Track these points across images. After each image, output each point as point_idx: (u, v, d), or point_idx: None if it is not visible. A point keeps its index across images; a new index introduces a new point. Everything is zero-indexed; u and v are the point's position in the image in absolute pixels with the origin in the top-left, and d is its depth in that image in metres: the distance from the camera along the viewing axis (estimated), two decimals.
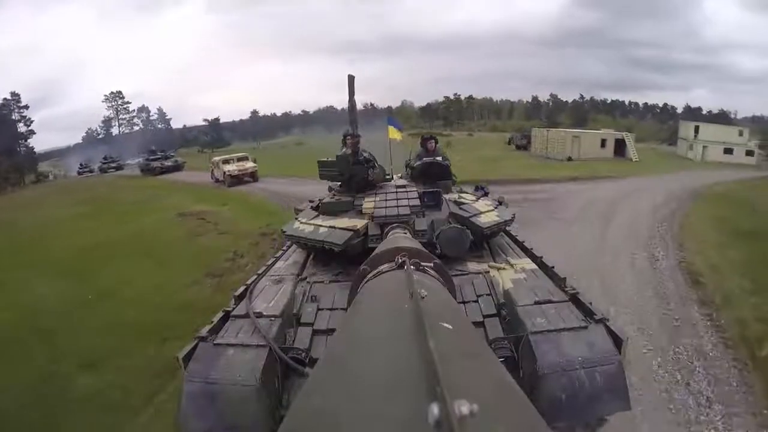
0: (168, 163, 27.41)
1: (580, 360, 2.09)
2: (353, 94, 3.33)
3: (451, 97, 69.10)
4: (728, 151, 31.62)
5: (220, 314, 2.69)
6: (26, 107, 39.21)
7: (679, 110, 74.11)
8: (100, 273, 7.89)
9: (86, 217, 13.76)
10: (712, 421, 3.65)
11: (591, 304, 2.53)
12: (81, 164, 37.79)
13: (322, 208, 3.79)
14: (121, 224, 12.04)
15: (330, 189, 4.56)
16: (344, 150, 4.00)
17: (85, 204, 16.30)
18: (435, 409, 0.44)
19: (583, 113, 67.26)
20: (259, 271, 3.52)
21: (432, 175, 4.22)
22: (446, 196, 3.78)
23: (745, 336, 4.77)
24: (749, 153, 31.41)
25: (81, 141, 55.92)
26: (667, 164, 23.89)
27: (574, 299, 2.60)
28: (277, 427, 1.02)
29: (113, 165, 36.62)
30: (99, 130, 56.90)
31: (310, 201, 4.42)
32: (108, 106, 55.99)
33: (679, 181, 16.09)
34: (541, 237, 5.75)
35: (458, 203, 3.70)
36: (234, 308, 2.76)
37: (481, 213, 3.62)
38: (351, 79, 3.26)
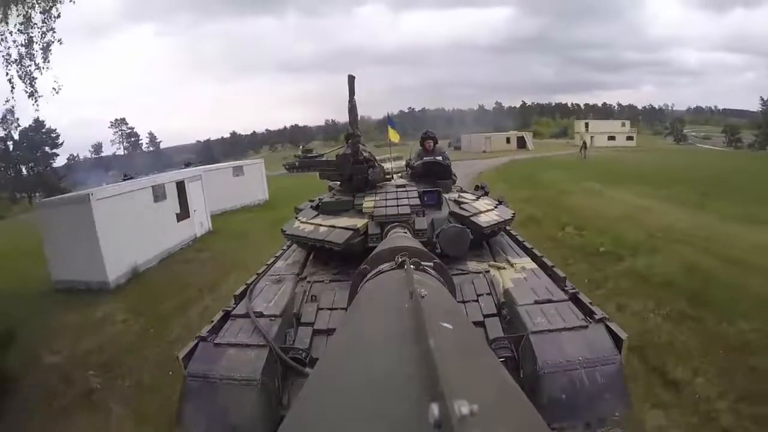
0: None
1: (580, 360, 2.08)
2: (353, 94, 3.33)
3: (405, 110, 78.26)
4: (611, 138, 45.43)
5: (220, 314, 2.68)
6: (54, 130, 42.40)
7: (617, 108, 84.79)
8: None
9: None
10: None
11: (591, 304, 2.52)
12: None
13: (322, 208, 3.78)
14: None
15: (330, 188, 4.56)
16: (344, 149, 3.99)
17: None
18: (435, 409, 0.44)
19: (527, 117, 76.36)
20: (259, 271, 3.52)
21: (432, 175, 4.22)
22: (446, 196, 3.77)
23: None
24: (629, 138, 46.20)
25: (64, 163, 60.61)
26: (552, 150, 37.68)
27: (575, 299, 2.59)
28: (277, 427, 1.02)
29: None
30: (89, 154, 66.10)
31: (310, 200, 4.41)
32: (114, 132, 69.10)
33: (536, 157, 30.88)
34: (471, 166, 23.05)
35: (458, 202, 3.69)
36: (234, 308, 2.76)
37: (481, 212, 3.61)
38: (351, 80, 3.26)
